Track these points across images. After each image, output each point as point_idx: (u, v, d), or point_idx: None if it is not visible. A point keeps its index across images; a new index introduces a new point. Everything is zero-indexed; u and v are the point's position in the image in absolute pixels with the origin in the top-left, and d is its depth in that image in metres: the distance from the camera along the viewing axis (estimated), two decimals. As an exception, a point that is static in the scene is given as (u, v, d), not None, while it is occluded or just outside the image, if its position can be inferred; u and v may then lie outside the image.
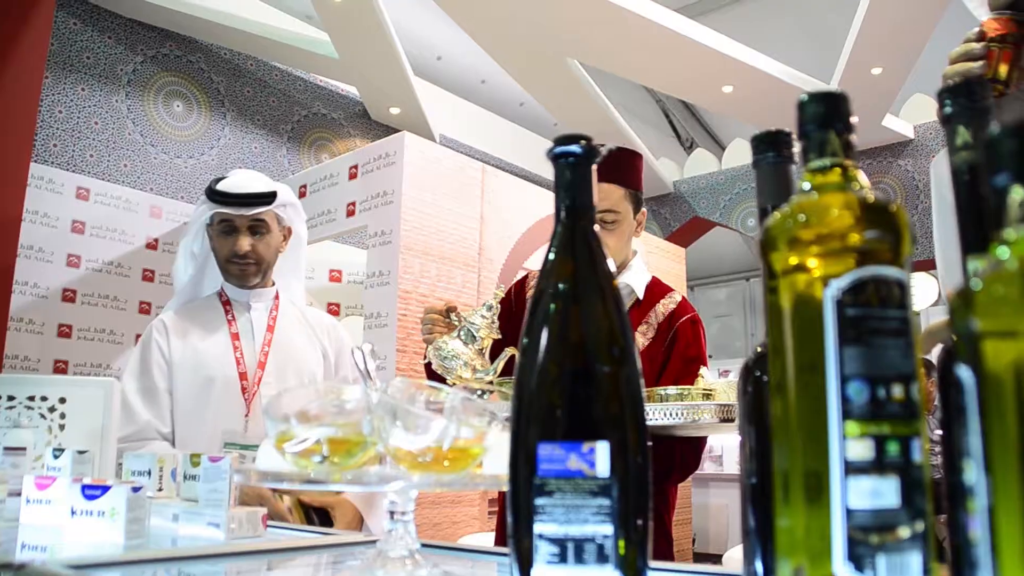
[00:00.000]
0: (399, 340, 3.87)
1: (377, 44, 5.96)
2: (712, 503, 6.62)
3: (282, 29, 6.27)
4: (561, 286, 0.68)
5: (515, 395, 0.68)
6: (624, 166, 2.09)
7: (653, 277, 2.18)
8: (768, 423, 0.59)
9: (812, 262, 0.56)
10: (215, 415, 2.13)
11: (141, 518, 1.27)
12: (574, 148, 0.71)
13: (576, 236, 0.70)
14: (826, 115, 0.60)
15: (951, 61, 1.20)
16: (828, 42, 6.99)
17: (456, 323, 1.89)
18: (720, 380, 1.90)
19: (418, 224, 4.08)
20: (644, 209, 2.14)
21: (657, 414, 1.68)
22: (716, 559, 5.50)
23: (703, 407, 1.74)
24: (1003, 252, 0.43)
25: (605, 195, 2.02)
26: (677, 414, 1.72)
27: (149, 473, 1.56)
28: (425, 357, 1.90)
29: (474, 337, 1.87)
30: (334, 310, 5.33)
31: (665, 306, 2.10)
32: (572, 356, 0.67)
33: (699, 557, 6.06)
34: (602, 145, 0.71)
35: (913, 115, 7.23)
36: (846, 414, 0.52)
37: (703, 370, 1.90)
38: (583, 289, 0.68)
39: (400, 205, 4.05)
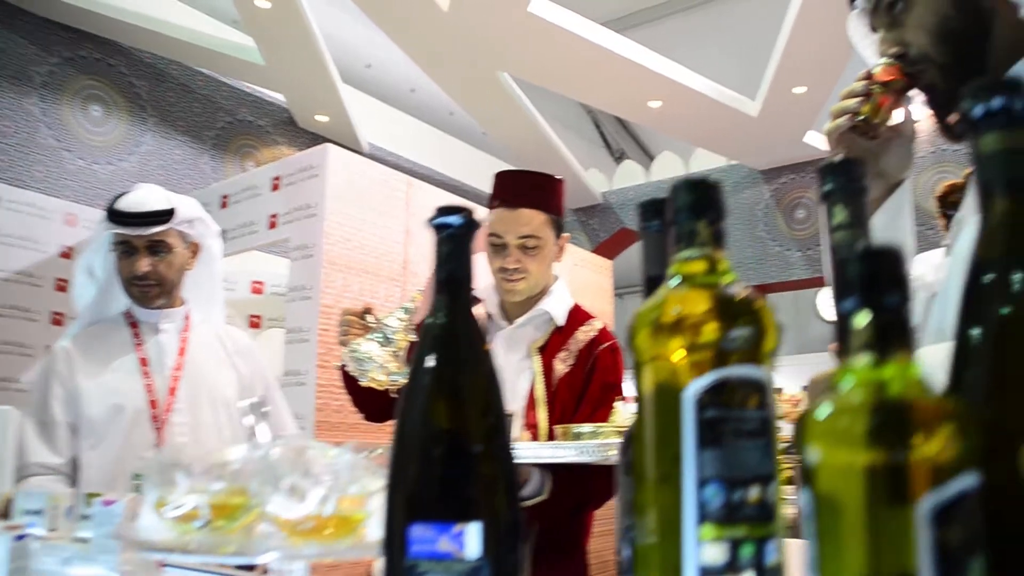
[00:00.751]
0: (320, 356, 3.82)
1: (304, 50, 5.88)
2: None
3: (207, 34, 6.14)
4: (435, 362, 0.66)
5: (389, 474, 0.67)
6: (546, 192, 2.10)
7: (575, 304, 2.18)
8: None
9: (673, 357, 0.55)
10: (124, 446, 2.05)
11: (24, 567, 1.22)
12: (453, 220, 0.70)
13: (454, 311, 0.68)
14: (697, 204, 0.60)
15: (840, 98, 1.22)
16: (754, 59, 7.14)
17: (372, 325, 1.87)
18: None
19: (341, 238, 4.02)
20: (565, 234, 2.14)
21: (570, 451, 1.67)
22: None
23: (616, 445, 1.73)
24: (847, 381, 0.43)
25: (527, 220, 2.02)
26: (591, 451, 1.71)
27: (41, 512, 1.50)
28: (341, 360, 1.88)
29: (389, 340, 1.85)
30: (256, 322, 5.23)
31: (585, 333, 2.10)
32: (443, 435, 0.65)
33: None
34: (478, 217, 0.69)
35: (834, 132, 7.41)
36: (702, 517, 0.52)
37: (618, 404, 1.91)
38: (457, 368, 0.67)
39: (323, 219, 3.99)
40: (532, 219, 2.02)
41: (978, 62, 1.07)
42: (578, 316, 2.14)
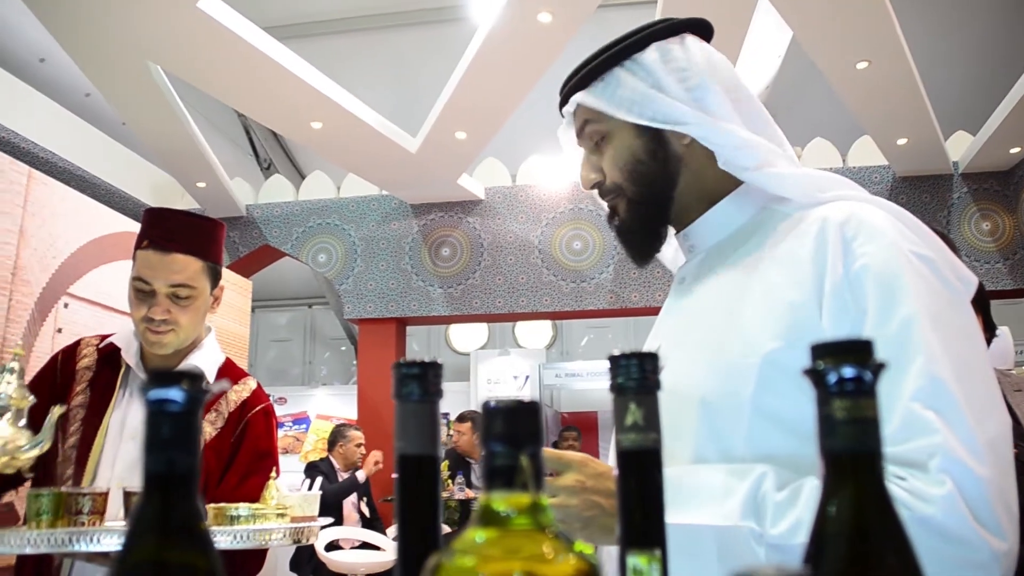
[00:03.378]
0: None
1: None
2: None
3: None
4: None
5: None
6: (204, 235, 1.89)
7: (227, 359, 1.99)
8: None
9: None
10: None
11: None
12: (173, 395, 0.51)
13: (170, 513, 0.50)
14: (520, 435, 0.48)
15: None
16: (419, 97, 7.23)
17: None
18: (295, 494, 1.75)
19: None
20: (222, 284, 1.94)
21: (225, 538, 1.49)
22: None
23: (277, 530, 1.59)
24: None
25: (181, 268, 1.81)
26: (247, 537, 1.54)
27: None
28: None
29: (5, 408, 1.57)
30: None
31: (238, 393, 1.94)
32: None
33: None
34: (208, 387, 0.51)
35: (485, 177, 7.74)
36: None
37: (274, 483, 1.74)
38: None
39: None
40: (187, 266, 1.82)
41: (662, 203, 1.19)
42: (230, 373, 1.96)
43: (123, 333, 1.92)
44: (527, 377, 9.39)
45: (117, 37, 5.10)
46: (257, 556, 1.82)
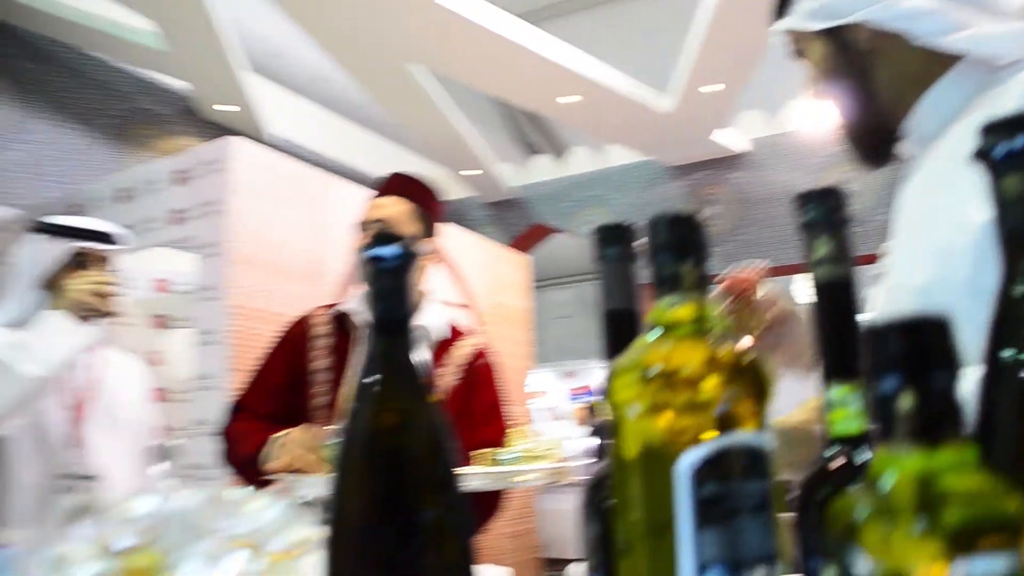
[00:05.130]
0: (232, 359, 3.65)
1: (206, 35, 5.62)
2: (555, 508, 6.66)
3: (100, 15, 5.80)
4: (373, 420, 0.58)
5: (328, 544, 0.58)
6: (413, 185, 1.98)
7: (451, 317, 2.09)
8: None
9: (662, 421, 0.48)
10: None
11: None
12: (388, 252, 0.60)
13: (392, 357, 0.60)
14: (681, 244, 0.53)
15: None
16: (666, 55, 7.18)
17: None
18: (551, 438, 1.80)
19: (249, 235, 3.85)
20: (436, 238, 1.99)
21: (480, 479, 1.55)
22: (564, 563, 5.51)
23: (550, 469, 1.66)
24: (887, 479, 0.36)
25: (387, 204, 1.91)
26: (506, 478, 1.63)
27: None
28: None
29: None
30: (161, 322, 4.98)
31: (467, 348, 2.02)
32: (388, 508, 0.57)
33: (549, 563, 6.06)
34: (418, 247, 0.59)
35: (746, 129, 7.53)
36: (704, 607, 0.45)
37: (521, 429, 1.81)
38: (399, 424, 0.58)
39: (228, 215, 3.81)
40: (392, 204, 1.90)
41: (864, 102, 1.16)
42: (456, 330, 2.06)
43: (355, 299, 1.99)
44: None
45: (379, 47, 5.56)
46: (498, 497, 1.92)
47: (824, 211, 0.62)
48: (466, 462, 1.64)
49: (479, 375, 1.99)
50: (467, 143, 7.13)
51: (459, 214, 8.10)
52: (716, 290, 1.29)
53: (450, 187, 8.28)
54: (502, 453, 1.65)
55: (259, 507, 0.77)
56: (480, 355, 2.02)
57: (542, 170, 8.49)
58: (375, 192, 1.97)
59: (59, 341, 2.00)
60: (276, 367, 1.96)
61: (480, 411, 1.95)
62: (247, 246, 3.83)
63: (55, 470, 2.01)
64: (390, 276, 0.60)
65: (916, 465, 0.36)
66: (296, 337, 2.01)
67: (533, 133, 10.26)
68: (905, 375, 0.37)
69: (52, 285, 2.13)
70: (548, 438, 1.78)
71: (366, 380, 0.58)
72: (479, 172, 7.77)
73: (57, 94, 5.80)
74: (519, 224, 8.34)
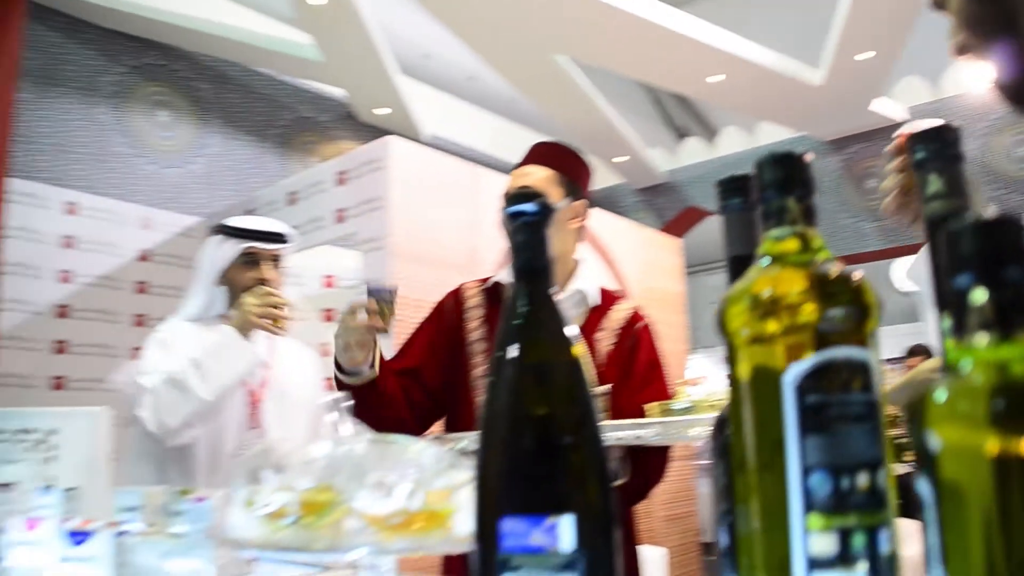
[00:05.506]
0: (395, 348, 3.84)
1: (360, 44, 5.92)
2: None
3: (264, 34, 6.22)
4: (520, 352, 0.65)
5: (477, 467, 0.66)
6: (556, 151, 2.02)
7: (602, 283, 2.11)
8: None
9: (770, 342, 0.53)
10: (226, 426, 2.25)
11: (127, 562, 1.26)
12: (527, 208, 0.68)
13: (534, 298, 0.67)
14: (785, 180, 0.57)
15: (882, 176, 1.26)
16: (814, 26, 6.95)
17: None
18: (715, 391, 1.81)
19: (408, 229, 4.05)
20: (586, 208, 2.01)
21: (653, 429, 1.59)
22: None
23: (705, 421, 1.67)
24: (966, 364, 0.40)
25: (529, 172, 1.94)
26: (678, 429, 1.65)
27: (138, 508, 1.54)
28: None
29: None
30: (330, 316, 5.29)
31: (622, 311, 2.03)
32: (532, 426, 0.64)
33: (707, 548, 6.04)
34: (553, 203, 0.66)
35: (904, 97, 7.19)
36: (809, 507, 0.50)
37: (682, 388, 1.83)
38: (542, 356, 0.65)
39: (389, 211, 4.02)
40: (534, 172, 1.93)
41: (1009, 38, 1.05)
42: (610, 294, 2.07)
43: (507, 272, 2.05)
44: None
45: (526, 41, 5.68)
46: (663, 462, 1.93)
47: (935, 149, 0.65)
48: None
49: (638, 337, 1.98)
50: (616, 130, 7.16)
51: (611, 201, 8.14)
52: (889, 146, 1.24)
53: (601, 174, 8.33)
54: (673, 403, 1.63)
55: (419, 450, 0.86)
56: (637, 317, 2.01)
57: (692, 153, 8.40)
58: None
59: (229, 369, 2.13)
60: (428, 332, 2.05)
61: (640, 373, 1.95)
62: (406, 240, 4.02)
63: (235, 452, 2.18)
64: (529, 229, 0.67)
65: (989, 356, 0.40)
66: (450, 307, 2.07)
67: (682, 116, 10.16)
68: (979, 271, 0.40)
69: (230, 281, 2.32)
70: (718, 388, 1.71)
71: (511, 319, 0.65)
72: (629, 158, 7.78)
73: (229, 110, 6.24)
74: (671, 208, 8.29)
